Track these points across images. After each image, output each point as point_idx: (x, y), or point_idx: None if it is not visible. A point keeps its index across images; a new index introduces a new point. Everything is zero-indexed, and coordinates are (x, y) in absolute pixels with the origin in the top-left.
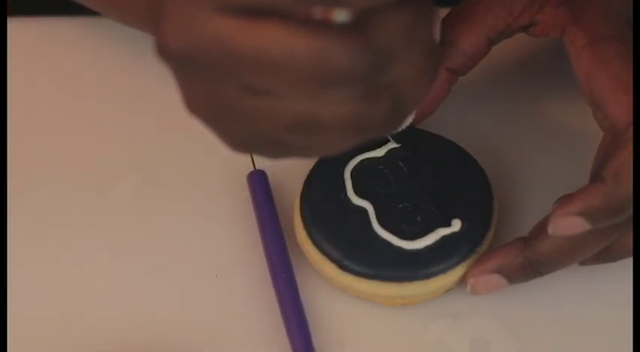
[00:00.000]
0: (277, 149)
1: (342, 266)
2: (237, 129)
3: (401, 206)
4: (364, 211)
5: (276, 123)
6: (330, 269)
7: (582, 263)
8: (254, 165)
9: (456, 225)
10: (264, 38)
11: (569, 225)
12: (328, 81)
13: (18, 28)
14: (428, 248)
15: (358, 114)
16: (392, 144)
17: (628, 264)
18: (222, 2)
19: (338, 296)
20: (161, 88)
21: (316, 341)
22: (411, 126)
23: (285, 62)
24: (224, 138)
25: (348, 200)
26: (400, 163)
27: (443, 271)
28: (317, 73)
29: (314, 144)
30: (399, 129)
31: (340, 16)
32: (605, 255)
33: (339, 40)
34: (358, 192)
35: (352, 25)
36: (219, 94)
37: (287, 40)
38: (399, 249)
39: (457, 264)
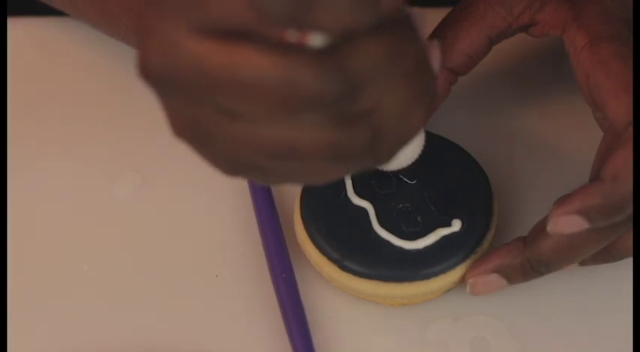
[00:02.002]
0: (264, 175)
1: (342, 267)
2: (220, 155)
3: (401, 206)
4: (364, 211)
5: (255, 149)
6: (330, 269)
7: (582, 263)
8: None
9: (456, 225)
10: (236, 61)
11: (567, 223)
12: (298, 106)
13: (18, 28)
14: (428, 248)
15: (334, 141)
16: None
17: (628, 263)
18: (198, 23)
19: (338, 296)
20: None
21: (316, 341)
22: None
23: (255, 86)
24: (210, 163)
25: (348, 200)
26: None
27: (443, 271)
28: (287, 98)
29: (297, 171)
30: (405, 164)
31: (315, 40)
32: (605, 255)
33: (310, 64)
34: (358, 192)
35: (326, 50)
36: (198, 118)
37: (258, 63)
38: (399, 249)
39: (457, 264)
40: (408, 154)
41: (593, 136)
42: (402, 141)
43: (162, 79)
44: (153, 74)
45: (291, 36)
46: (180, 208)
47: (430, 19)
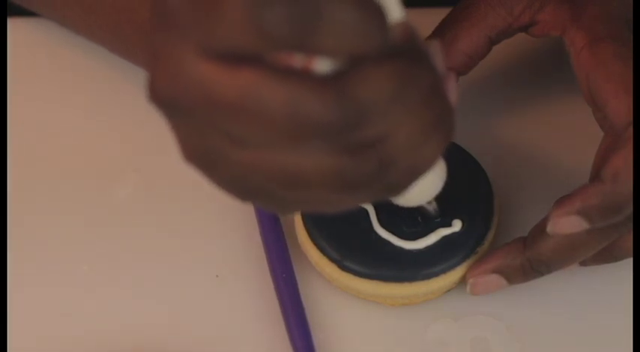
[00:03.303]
0: (273, 203)
1: (343, 267)
2: (229, 180)
3: (401, 206)
4: (364, 211)
5: (261, 175)
6: (331, 269)
7: (582, 263)
8: None
9: (457, 225)
10: (240, 86)
11: (567, 223)
12: (303, 133)
13: (18, 28)
14: (428, 248)
15: (341, 169)
16: None
17: (628, 264)
18: (205, 46)
19: (338, 296)
20: None
21: (316, 341)
22: None
23: (260, 112)
24: (221, 189)
25: None
26: None
27: (443, 271)
28: (291, 125)
29: (306, 199)
30: (426, 200)
31: (321, 65)
32: (606, 255)
33: (315, 90)
34: None
35: (333, 77)
36: (207, 143)
37: (262, 89)
38: (400, 249)
39: (458, 264)
40: (427, 188)
41: (593, 136)
42: (416, 173)
43: (170, 102)
44: (161, 98)
45: (298, 61)
46: (180, 208)
47: (430, 19)
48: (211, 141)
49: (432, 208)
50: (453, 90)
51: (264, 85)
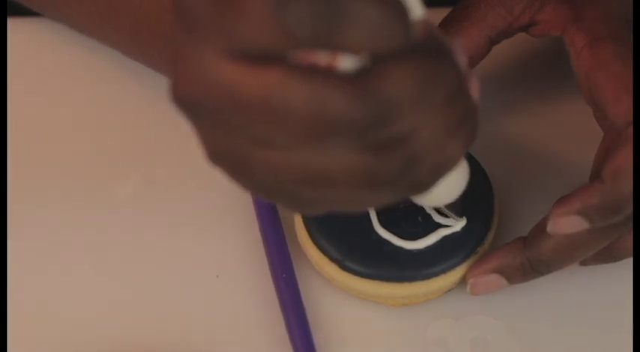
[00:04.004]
0: (300, 203)
1: (343, 266)
2: (254, 182)
3: (402, 206)
4: (365, 211)
5: (286, 175)
6: (331, 269)
7: (582, 263)
8: None
9: (457, 225)
10: (265, 86)
11: (567, 223)
12: (329, 131)
13: (18, 28)
14: (429, 248)
15: (366, 167)
16: None
17: (628, 264)
18: (228, 47)
19: (338, 296)
20: (162, 88)
21: (316, 341)
22: None
23: (284, 111)
24: (245, 188)
25: None
26: None
27: (444, 271)
28: (317, 123)
29: (332, 198)
30: (449, 200)
31: (345, 63)
32: (606, 255)
33: (340, 88)
34: None
35: (357, 74)
36: (230, 144)
37: (286, 88)
38: (400, 249)
39: (458, 264)
40: (450, 188)
41: (593, 136)
42: (440, 171)
43: (193, 104)
44: (184, 100)
45: (322, 59)
46: (180, 208)
47: (430, 19)
48: (236, 143)
49: (454, 209)
50: (475, 88)
51: (289, 84)
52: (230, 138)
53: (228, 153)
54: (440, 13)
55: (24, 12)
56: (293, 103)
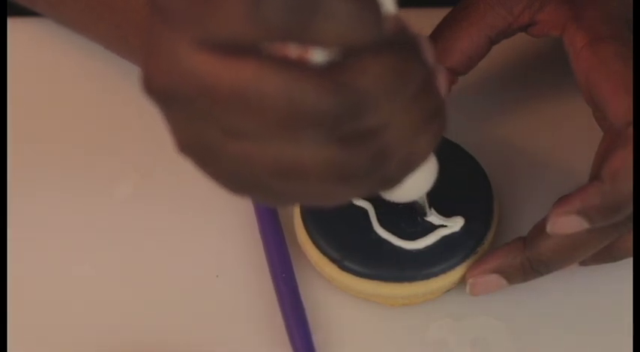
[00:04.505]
0: (268, 195)
1: (342, 267)
2: (223, 173)
3: (401, 206)
4: (364, 211)
5: (257, 167)
6: (331, 269)
7: (582, 263)
8: None
9: (457, 225)
10: (238, 77)
11: (567, 223)
12: (300, 123)
13: (18, 28)
14: (428, 248)
15: (337, 161)
16: None
17: (628, 264)
18: (200, 38)
19: (338, 296)
20: None
21: (316, 341)
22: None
23: (256, 102)
24: (214, 180)
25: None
26: None
27: (443, 271)
28: (288, 114)
29: (302, 192)
30: (417, 196)
31: (317, 56)
32: (605, 255)
33: (312, 80)
34: None
35: (329, 67)
36: (202, 135)
37: (258, 79)
38: (400, 249)
39: (457, 264)
40: (419, 184)
41: (593, 136)
42: (410, 165)
43: (165, 94)
44: (156, 89)
45: (293, 51)
46: (180, 208)
47: (430, 19)
48: (207, 134)
49: (422, 204)
50: (443, 84)
51: (261, 75)
52: (201, 129)
53: (199, 144)
54: (440, 13)
55: (24, 12)
56: (266, 94)
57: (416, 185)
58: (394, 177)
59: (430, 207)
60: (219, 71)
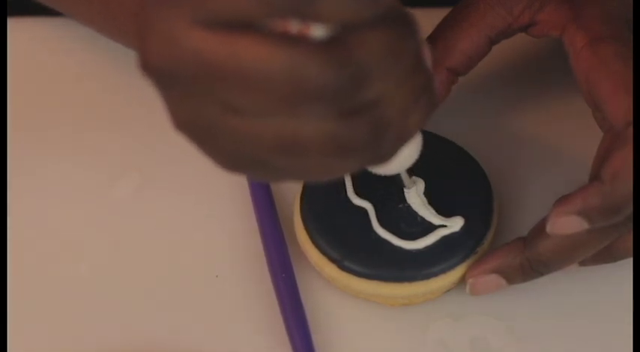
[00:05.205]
0: (265, 171)
1: (342, 267)
2: (221, 149)
3: (401, 206)
4: (364, 211)
5: (258, 143)
6: (330, 269)
7: (582, 263)
8: None
9: (457, 225)
10: (238, 53)
11: (567, 224)
12: (302, 97)
13: (18, 28)
14: (428, 248)
15: (336, 133)
16: None
17: (628, 264)
18: (199, 15)
19: (338, 296)
20: None
21: (316, 341)
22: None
23: (259, 78)
24: (211, 157)
25: (348, 200)
26: None
27: (443, 271)
28: (291, 89)
29: (300, 166)
30: (403, 168)
31: (317, 31)
32: (605, 256)
33: (313, 55)
34: (358, 192)
35: (329, 41)
36: (200, 112)
37: (261, 55)
38: (399, 249)
39: (457, 264)
40: (405, 157)
41: (593, 136)
42: (404, 137)
43: (164, 72)
44: (154, 68)
45: (294, 27)
46: (180, 208)
47: (430, 19)
48: (205, 110)
49: (405, 177)
50: (429, 58)
51: (261, 50)
52: (200, 106)
53: (197, 122)
54: (440, 13)
55: (24, 12)
56: (269, 69)
57: (403, 158)
58: (388, 150)
59: (415, 186)
60: (220, 48)
